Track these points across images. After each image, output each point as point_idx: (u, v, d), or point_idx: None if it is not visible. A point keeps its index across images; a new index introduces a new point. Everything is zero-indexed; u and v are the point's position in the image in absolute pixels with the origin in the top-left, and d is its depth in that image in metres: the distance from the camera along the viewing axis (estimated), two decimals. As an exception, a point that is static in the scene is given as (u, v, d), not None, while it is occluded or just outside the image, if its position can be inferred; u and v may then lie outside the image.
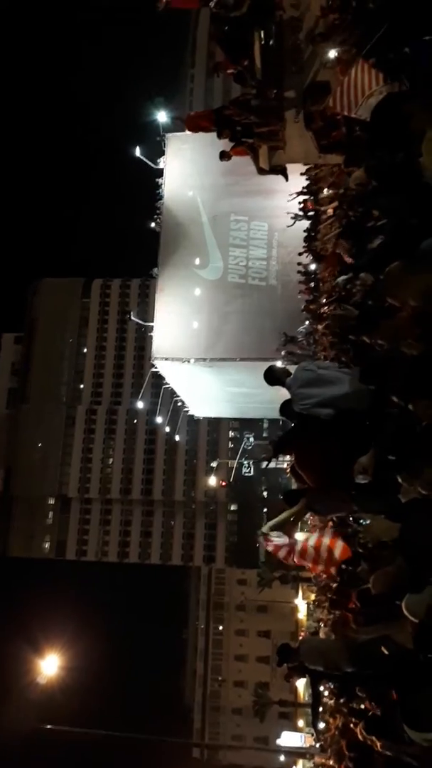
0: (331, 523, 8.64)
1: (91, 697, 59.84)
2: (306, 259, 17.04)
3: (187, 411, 25.73)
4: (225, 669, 68.59)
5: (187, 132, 18.62)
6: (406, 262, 3.57)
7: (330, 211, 11.60)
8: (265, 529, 6.24)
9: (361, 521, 7.22)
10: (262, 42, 7.95)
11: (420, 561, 3.23)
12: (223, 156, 9.80)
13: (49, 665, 23.88)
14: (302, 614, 48.84)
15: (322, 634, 12.48)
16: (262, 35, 7.94)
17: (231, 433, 73.63)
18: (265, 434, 65.07)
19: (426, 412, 3.20)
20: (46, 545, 78.51)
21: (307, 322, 16.64)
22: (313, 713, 7.48)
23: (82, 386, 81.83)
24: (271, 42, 7.91)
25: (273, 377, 5.14)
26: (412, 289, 3.47)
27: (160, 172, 19.78)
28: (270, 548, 7.83)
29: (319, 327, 14.50)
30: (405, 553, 3.32)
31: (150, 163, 20.15)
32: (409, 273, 3.53)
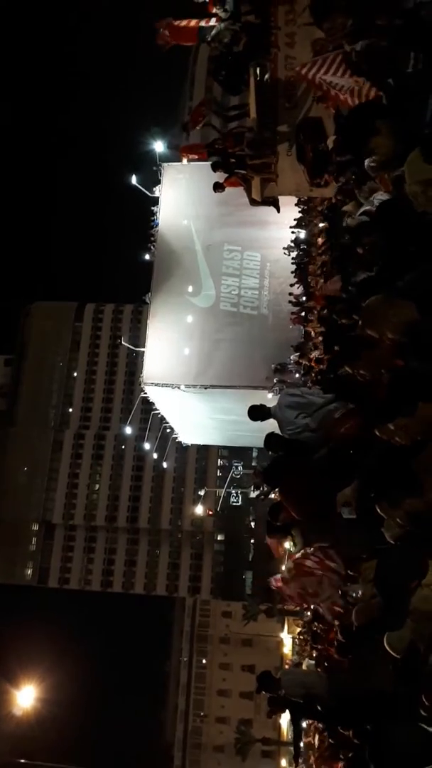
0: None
1: (69, 730, 58.19)
2: (297, 290, 17.28)
3: (176, 438, 25.61)
4: (207, 704, 66.93)
5: (184, 162, 19.03)
6: (385, 295, 3.62)
7: (320, 241, 11.79)
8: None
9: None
10: (257, 78, 8.16)
11: (394, 599, 3.20)
12: (217, 187, 10.00)
13: (26, 697, 23.27)
14: (287, 648, 47.94)
15: (305, 666, 12.29)
16: (258, 71, 8.15)
17: (219, 462, 73.19)
18: (254, 463, 64.76)
19: (402, 430, 3.21)
20: (28, 572, 77.04)
21: (295, 355, 16.81)
22: (294, 749, 7.28)
23: (70, 410, 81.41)
24: (266, 78, 8.12)
25: (257, 413, 5.25)
26: (390, 323, 3.51)
27: (155, 201, 20.05)
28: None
29: (311, 357, 14.64)
30: (380, 591, 3.29)
31: (146, 192, 20.45)
32: (387, 306, 3.58)
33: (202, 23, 8.71)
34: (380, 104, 4.32)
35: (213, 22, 8.56)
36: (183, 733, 66.22)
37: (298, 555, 5.54)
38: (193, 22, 9.24)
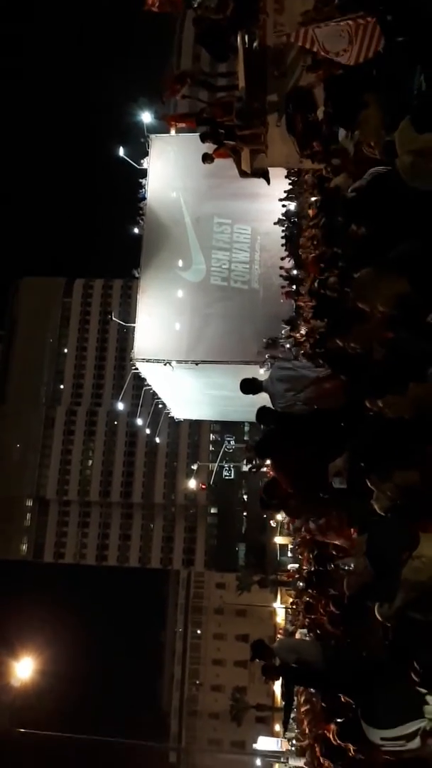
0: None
1: (67, 700, 59.34)
2: (288, 263, 17.18)
3: (168, 413, 25.66)
4: (202, 673, 68.37)
5: (172, 133, 18.70)
6: (376, 268, 3.62)
7: (311, 213, 11.68)
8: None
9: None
10: (246, 45, 7.97)
11: (386, 571, 3.26)
12: (206, 158, 9.82)
13: (24, 668, 23.62)
14: (280, 618, 48.85)
15: (298, 636, 12.53)
16: (246, 39, 7.96)
17: (212, 436, 73.56)
18: (245, 437, 65.16)
19: (392, 407, 3.24)
20: (24, 547, 77.67)
21: (286, 329, 16.79)
22: (285, 714, 7.45)
23: (62, 387, 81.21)
24: (254, 45, 7.93)
25: (248, 386, 5.25)
26: (381, 296, 3.52)
27: (143, 173, 19.74)
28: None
29: (301, 333, 14.64)
30: (372, 563, 3.36)
31: (134, 164, 20.11)
32: (378, 279, 3.58)
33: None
34: (368, 76, 4.25)
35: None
36: (179, 701, 67.75)
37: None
38: None
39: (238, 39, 8.04)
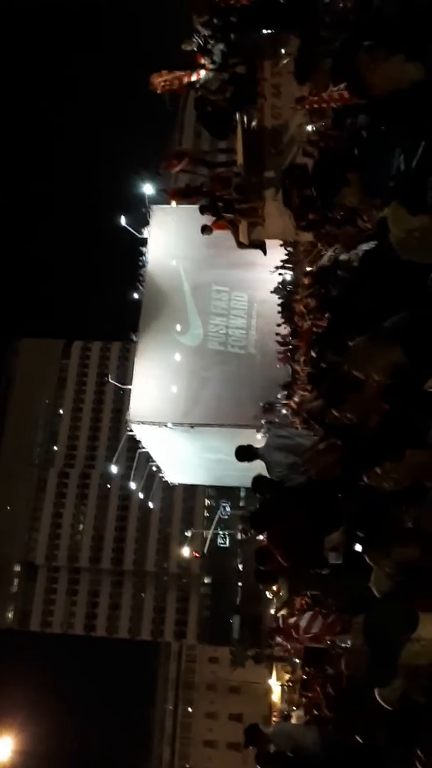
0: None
1: (47, 785, 55.62)
2: (284, 330, 17.43)
3: (163, 477, 25.35)
4: (193, 755, 64.45)
5: (173, 204, 19.38)
6: (371, 336, 3.66)
7: (306, 282, 11.96)
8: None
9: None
10: (245, 126, 8.40)
11: (383, 654, 3.13)
12: (205, 230, 10.18)
13: (2, 748, 22.27)
14: (276, 696, 46.53)
15: (294, 719, 11.91)
16: (245, 119, 8.40)
17: (207, 502, 72.27)
18: (241, 503, 64.17)
19: (389, 478, 3.20)
20: (10, 615, 74.79)
21: (283, 394, 16.85)
22: None
23: (55, 448, 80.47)
24: (253, 125, 8.36)
25: (244, 453, 5.22)
26: (376, 364, 3.54)
27: (144, 241, 20.32)
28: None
29: (295, 399, 14.69)
30: (369, 645, 3.22)
31: (135, 233, 20.72)
32: (373, 348, 3.61)
33: (193, 77, 8.92)
34: (351, 156, 4.45)
35: (202, 73, 8.82)
36: (167, 787, 63.63)
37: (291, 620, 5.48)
38: (185, 79, 9.43)
39: (237, 119, 8.49)
